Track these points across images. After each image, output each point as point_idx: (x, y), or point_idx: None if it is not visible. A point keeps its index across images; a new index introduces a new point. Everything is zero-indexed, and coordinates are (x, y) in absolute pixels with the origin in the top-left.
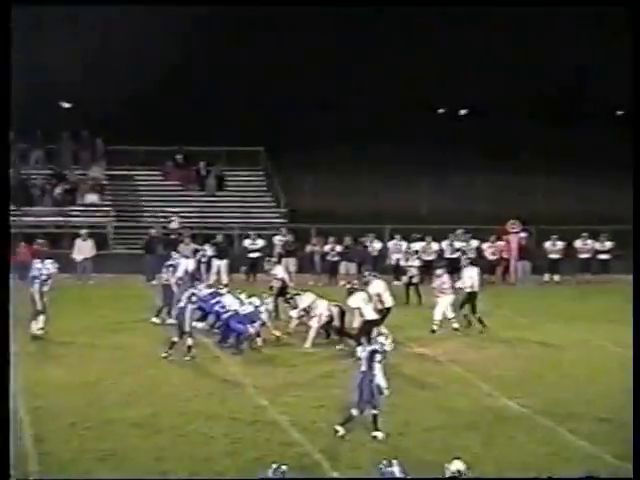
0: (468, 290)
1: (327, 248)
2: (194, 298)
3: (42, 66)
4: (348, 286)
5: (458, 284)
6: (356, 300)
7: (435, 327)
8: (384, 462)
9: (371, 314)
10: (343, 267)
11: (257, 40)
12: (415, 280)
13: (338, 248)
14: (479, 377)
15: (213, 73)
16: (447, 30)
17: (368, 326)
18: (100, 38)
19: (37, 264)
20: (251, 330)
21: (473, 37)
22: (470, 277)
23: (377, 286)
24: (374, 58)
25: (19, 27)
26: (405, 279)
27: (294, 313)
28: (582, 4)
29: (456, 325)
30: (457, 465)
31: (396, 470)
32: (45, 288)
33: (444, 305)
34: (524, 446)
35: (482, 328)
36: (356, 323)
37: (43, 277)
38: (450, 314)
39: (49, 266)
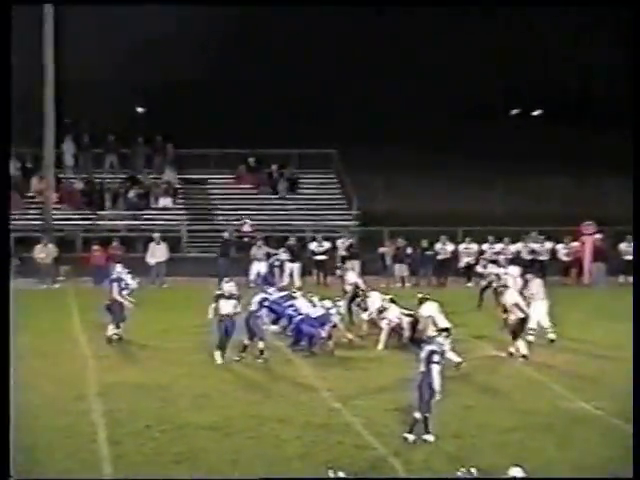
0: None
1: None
2: (266, 302)
3: (115, 70)
4: (420, 295)
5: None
6: (429, 309)
7: (531, 337)
8: (462, 469)
9: (444, 322)
10: (397, 269)
11: (329, 40)
12: (495, 285)
13: (409, 250)
14: (553, 379)
15: (284, 75)
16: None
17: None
18: (171, 39)
19: (117, 268)
20: (322, 333)
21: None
22: (513, 277)
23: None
24: (444, 59)
25: (89, 30)
26: (484, 283)
27: (365, 315)
28: (582, 4)
29: (552, 336)
30: (515, 471)
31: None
32: (124, 292)
33: (539, 312)
34: (599, 448)
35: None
36: (430, 332)
37: (123, 285)
38: (546, 322)
39: (130, 281)
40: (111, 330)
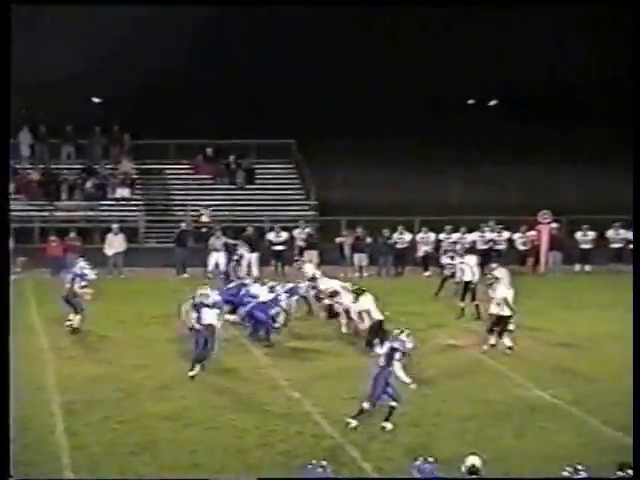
0: (466, 280)
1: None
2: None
3: (71, 61)
4: (355, 287)
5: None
6: (365, 302)
7: (511, 326)
8: (420, 459)
9: (378, 315)
10: (356, 259)
11: (285, 28)
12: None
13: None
14: (511, 368)
15: (242, 64)
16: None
17: (377, 326)
18: (128, 30)
19: (80, 263)
20: (276, 323)
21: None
22: (469, 267)
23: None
24: (406, 48)
25: (45, 22)
26: (447, 272)
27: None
28: (583, 4)
29: (511, 327)
30: (472, 460)
31: (431, 467)
32: (82, 284)
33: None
34: (556, 437)
35: (477, 315)
36: (366, 324)
37: (81, 279)
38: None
39: (87, 271)
40: (74, 320)
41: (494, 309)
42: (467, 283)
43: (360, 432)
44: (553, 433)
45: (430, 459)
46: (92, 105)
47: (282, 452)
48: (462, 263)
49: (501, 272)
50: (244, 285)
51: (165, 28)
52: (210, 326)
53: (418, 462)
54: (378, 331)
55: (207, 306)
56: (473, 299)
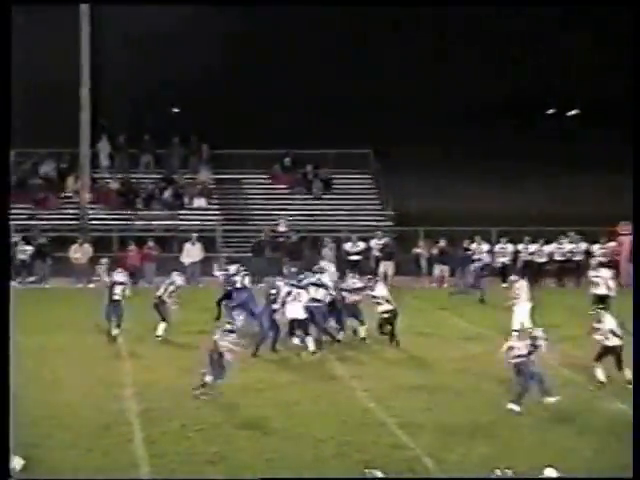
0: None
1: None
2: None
3: (155, 72)
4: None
5: None
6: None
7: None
8: (498, 470)
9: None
10: (437, 270)
11: (366, 40)
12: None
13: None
14: (588, 379)
15: (319, 75)
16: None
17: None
18: (210, 42)
19: (174, 273)
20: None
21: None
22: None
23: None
24: (476, 58)
25: (127, 37)
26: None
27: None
28: (583, 4)
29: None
30: (549, 472)
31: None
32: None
33: (522, 313)
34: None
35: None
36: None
37: (171, 288)
38: (528, 324)
39: (177, 278)
40: (158, 329)
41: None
42: (602, 297)
43: (435, 443)
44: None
45: (508, 471)
46: (171, 114)
47: (359, 461)
48: (597, 277)
49: (521, 285)
50: None
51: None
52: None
53: (496, 474)
54: None
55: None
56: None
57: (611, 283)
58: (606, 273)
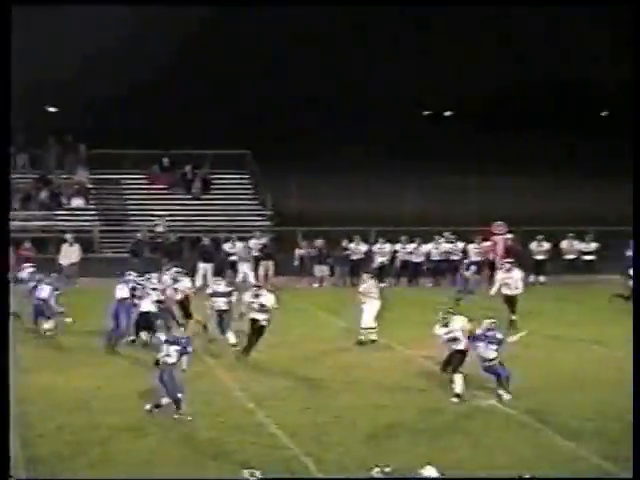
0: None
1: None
2: None
3: (26, 69)
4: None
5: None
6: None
7: (363, 337)
8: (377, 468)
9: None
10: (317, 270)
11: (241, 41)
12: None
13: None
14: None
15: (198, 75)
16: (429, 30)
17: None
18: (85, 41)
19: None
20: None
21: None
22: None
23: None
24: (358, 59)
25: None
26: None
27: None
28: (583, 4)
29: (374, 337)
30: (428, 470)
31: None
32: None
33: (373, 311)
34: (511, 447)
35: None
36: None
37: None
38: (371, 323)
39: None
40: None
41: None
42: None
43: (314, 443)
44: (508, 443)
45: (387, 469)
46: (47, 114)
47: (237, 462)
48: (509, 278)
49: (370, 284)
50: None
51: (123, 35)
52: None
53: (375, 471)
54: None
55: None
56: None
57: (520, 284)
58: (517, 274)
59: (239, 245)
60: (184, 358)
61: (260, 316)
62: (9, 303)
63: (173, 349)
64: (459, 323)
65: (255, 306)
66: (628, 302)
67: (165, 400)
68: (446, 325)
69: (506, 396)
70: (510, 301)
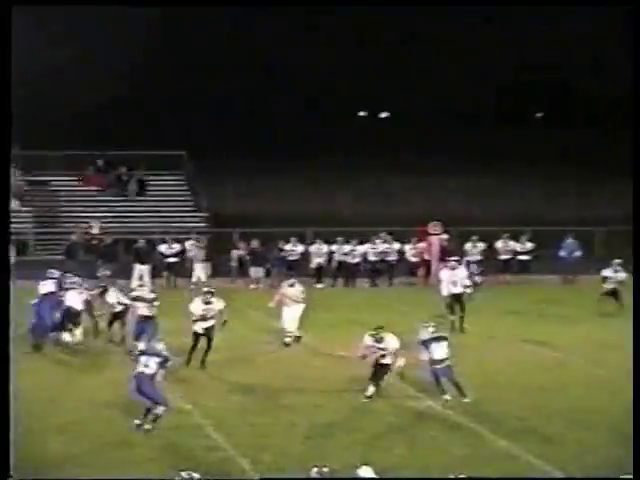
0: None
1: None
2: None
3: None
4: None
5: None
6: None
7: (288, 339)
8: (315, 468)
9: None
10: (253, 271)
11: (181, 41)
12: None
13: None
14: (397, 380)
15: (134, 77)
16: (375, 31)
17: None
18: (18, 40)
19: None
20: None
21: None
22: None
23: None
24: (295, 59)
25: None
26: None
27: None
28: (583, 4)
29: (298, 333)
30: (365, 471)
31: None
32: None
33: (297, 314)
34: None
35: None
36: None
37: None
38: (294, 326)
39: None
40: None
41: None
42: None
43: (250, 444)
44: (444, 443)
45: (325, 469)
46: None
47: (173, 464)
48: (454, 277)
49: (297, 288)
50: None
51: (63, 33)
52: None
53: (313, 472)
54: None
55: None
56: None
57: (466, 281)
58: (462, 272)
59: (188, 245)
60: (161, 371)
61: (207, 324)
62: (9, 304)
63: (153, 361)
64: (393, 344)
65: (205, 314)
66: (618, 302)
67: (161, 408)
68: (378, 341)
69: (447, 397)
70: (458, 299)
